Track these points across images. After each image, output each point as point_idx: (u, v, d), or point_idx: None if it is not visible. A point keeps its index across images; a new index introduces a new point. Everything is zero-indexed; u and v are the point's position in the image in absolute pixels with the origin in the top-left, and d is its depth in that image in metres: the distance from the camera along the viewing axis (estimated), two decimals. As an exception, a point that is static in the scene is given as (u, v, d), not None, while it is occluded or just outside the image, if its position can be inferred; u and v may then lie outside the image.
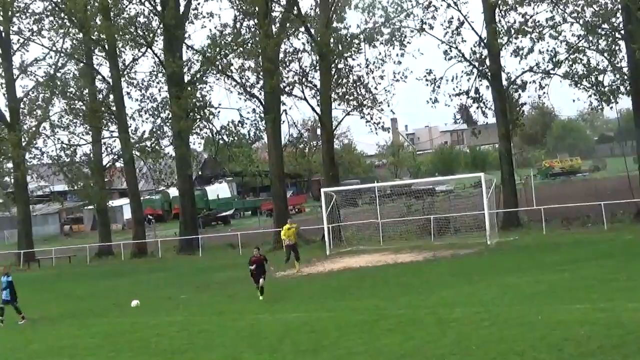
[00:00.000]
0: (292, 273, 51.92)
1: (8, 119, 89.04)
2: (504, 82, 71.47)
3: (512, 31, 69.60)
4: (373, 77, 75.16)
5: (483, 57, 71.18)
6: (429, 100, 73.04)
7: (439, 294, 36.45)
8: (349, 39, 74.30)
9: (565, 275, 38.91)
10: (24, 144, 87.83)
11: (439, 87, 72.59)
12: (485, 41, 70.31)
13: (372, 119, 75.75)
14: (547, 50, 69.88)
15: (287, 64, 76.72)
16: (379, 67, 74.69)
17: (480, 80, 72.14)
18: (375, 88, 75.16)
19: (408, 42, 73.30)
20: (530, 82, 71.78)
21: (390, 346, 26.19)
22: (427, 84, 72.75)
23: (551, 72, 70.56)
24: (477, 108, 73.86)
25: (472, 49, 71.66)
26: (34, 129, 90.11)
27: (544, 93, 72.42)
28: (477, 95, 72.62)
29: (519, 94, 73.08)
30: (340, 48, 74.14)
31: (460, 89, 72.67)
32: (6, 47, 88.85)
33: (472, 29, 71.36)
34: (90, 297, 52.07)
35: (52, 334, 37.62)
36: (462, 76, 72.50)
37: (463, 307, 32.27)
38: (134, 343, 32.54)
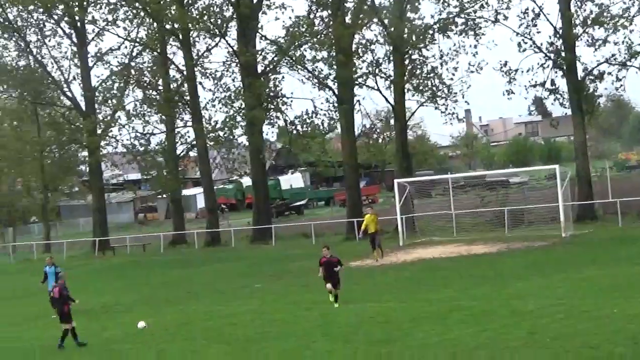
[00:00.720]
0: (371, 262, 52.00)
1: (83, 107, 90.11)
2: (580, 74, 70.89)
3: (588, 21, 69.13)
4: (447, 69, 75.05)
5: (558, 48, 70.63)
6: (505, 92, 72.71)
7: (512, 286, 36.40)
8: (422, 30, 74.07)
9: (641, 268, 38.66)
10: (99, 132, 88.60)
11: (514, 78, 72.26)
12: (560, 32, 69.84)
13: (446, 109, 75.52)
14: (623, 42, 69.37)
15: (361, 54, 76.64)
16: (453, 58, 74.55)
17: (556, 72, 71.65)
18: (451, 79, 74.98)
19: (482, 33, 73.27)
20: (607, 74, 71.14)
21: (464, 337, 26.26)
22: (503, 75, 72.45)
23: (627, 63, 69.92)
24: (555, 100, 73.43)
25: (548, 40, 71.26)
26: (108, 117, 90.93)
27: (621, 85, 71.90)
28: (553, 87, 72.14)
29: (596, 85, 72.46)
30: (414, 39, 73.89)
31: (535, 81, 72.36)
32: (81, 37, 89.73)
33: (547, 19, 71.04)
34: (164, 285, 52.59)
35: (126, 321, 38.11)
36: (537, 68, 72.16)
37: (537, 299, 32.21)
38: (208, 332, 32.90)
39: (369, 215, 53.78)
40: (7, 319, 44.38)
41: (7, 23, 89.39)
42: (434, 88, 74.68)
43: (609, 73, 70.99)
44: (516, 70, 72.00)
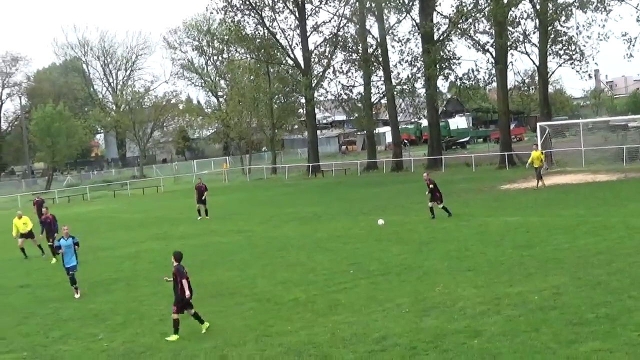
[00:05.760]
0: (534, 187, 50.40)
1: (302, 65, 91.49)
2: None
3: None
4: (582, 37, 73.45)
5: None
6: (626, 55, 70.88)
7: (628, 207, 35.28)
8: (564, 7, 72.42)
9: None
10: (313, 85, 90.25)
11: (633, 45, 70.16)
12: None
13: (581, 69, 74.08)
14: None
15: (515, 25, 75.11)
16: (586, 29, 72.83)
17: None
18: (584, 45, 73.32)
19: (611, 9, 71.04)
20: None
21: (588, 245, 25.72)
22: (624, 42, 70.53)
23: None
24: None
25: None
26: (321, 73, 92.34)
27: None
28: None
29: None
30: (556, 14, 72.34)
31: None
32: (302, 13, 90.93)
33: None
34: (359, 200, 52.97)
35: (331, 226, 38.62)
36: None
37: (647, 217, 31.28)
38: (391, 235, 33.04)
39: (535, 152, 52.02)
40: (258, 219, 45.51)
41: (248, 3, 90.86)
42: (570, 52, 73.27)
43: None
44: (635, 39, 69.89)
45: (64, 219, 48.51)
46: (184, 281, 18.71)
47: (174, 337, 18.73)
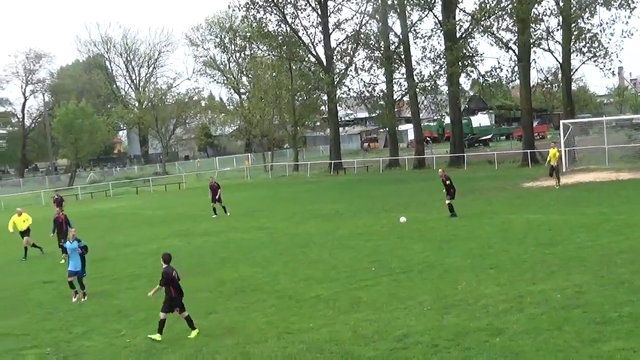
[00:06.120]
0: (549, 185, 50.11)
1: (324, 63, 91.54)
2: None
3: None
4: (606, 34, 73.10)
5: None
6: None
7: (652, 205, 35.13)
8: (588, 3, 72.04)
9: None
10: (335, 82, 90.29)
11: (658, 42, 69.84)
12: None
13: (604, 66, 73.64)
14: None
15: (538, 22, 74.77)
16: (610, 26, 72.50)
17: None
18: (607, 43, 72.99)
19: (635, 6, 70.61)
20: None
21: (611, 244, 25.59)
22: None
23: None
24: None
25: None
26: (343, 71, 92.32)
27: None
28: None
29: None
30: (579, 11, 71.95)
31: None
32: (324, 11, 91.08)
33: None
34: (381, 197, 52.85)
35: (353, 223, 38.59)
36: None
37: (671, 215, 31.08)
38: (413, 233, 33.01)
39: (553, 149, 51.64)
40: (280, 216, 45.59)
41: (270, 0, 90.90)
42: (594, 49, 72.90)
43: None
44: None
45: (86, 216, 48.88)
46: (157, 287, 19.13)
47: (194, 334, 18.89)
